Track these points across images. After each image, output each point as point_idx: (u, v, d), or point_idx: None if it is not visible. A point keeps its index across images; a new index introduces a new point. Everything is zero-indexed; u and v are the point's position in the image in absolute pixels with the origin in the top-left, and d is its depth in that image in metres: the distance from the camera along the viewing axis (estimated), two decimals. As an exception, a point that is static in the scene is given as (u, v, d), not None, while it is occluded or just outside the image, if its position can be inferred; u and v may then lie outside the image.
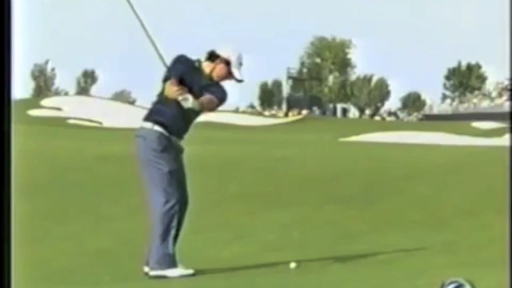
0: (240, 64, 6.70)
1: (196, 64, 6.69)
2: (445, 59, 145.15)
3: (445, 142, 28.75)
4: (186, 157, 6.71)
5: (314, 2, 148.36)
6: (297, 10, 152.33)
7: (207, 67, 6.66)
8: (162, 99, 6.63)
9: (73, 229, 9.45)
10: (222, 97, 6.64)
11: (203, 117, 6.83)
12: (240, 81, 6.72)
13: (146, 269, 6.52)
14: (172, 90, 6.40)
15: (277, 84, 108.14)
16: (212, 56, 6.67)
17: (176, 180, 6.49)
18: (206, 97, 6.49)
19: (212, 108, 6.58)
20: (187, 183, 6.67)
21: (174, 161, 6.51)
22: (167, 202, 6.42)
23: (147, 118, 6.62)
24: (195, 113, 6.63)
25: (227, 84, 6.75)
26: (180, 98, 6.40)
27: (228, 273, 6.72)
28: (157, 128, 6.51)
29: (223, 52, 6.67)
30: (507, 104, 73.65)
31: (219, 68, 6.65)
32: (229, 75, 6.68)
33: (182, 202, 6.54)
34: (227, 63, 6.65)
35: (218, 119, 43.35)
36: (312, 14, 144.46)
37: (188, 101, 6.40)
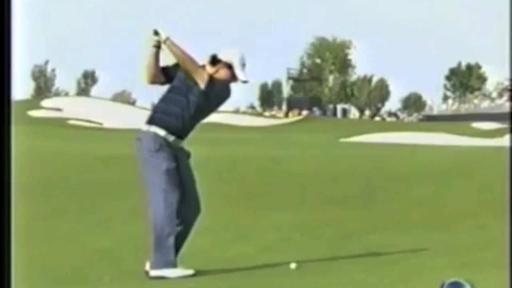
0: (243, 65, 6.68)
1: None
2: (445, 59, 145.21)
3: (446, 142, 28.76)
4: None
5: (314, 2, 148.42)
6: (297, 11, 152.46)
7: (209, 70, 6.63)
8: (165, 97, 6.63)
9: (73, 229, 9.45)
10: (220, 87, 6.62)
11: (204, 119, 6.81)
12: (245, 81, 6.70)
13: (147, 267, 6.51)
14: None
15: (277, 85, 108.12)
16: (214, 60, 6.64)
17: (175, 179, 6.47)
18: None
19: (193, 70, 6.46)
20: (196, 188, 6.65)
21: (172, 160, 6.48)
22: (165, 200, 6.41)
23: (147, 120, 6.63)
24: (202, 112, 6.61)
25: (228, 84, 6.73)
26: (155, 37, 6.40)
27: (229, 273, 6.72)
28: (153, 129, 6.52)
29: (224, 56, 6.64)
30: (508, 104, 73.68)
31: (223, 72, 6.62)
32: (233, 77, 6.66)
33: (187, 203, 6.51)
34: (230, 66, 6.64)
35: (219, 120, 43.34)
36: (312, 14, 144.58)
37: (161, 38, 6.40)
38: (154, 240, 6.45)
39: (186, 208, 6.51)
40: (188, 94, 6.54)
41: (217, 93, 6.61)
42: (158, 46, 6.50)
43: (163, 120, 6.53)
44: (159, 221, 6.42)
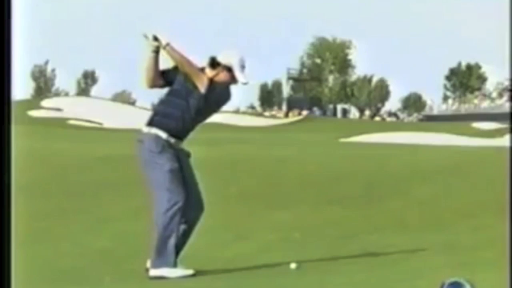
0: (242, 67, 6.67)
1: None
2: (445, 59, 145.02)
3: (446, 142, 28.75)
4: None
5: (314, 2, 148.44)
6: (297, 11, 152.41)
7: (209, 73, 6.63)
8: (165, 100, 6.63)
9: (73, 229, 9.45)
10: (221, 92, 6.62)
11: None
12: (245, 83, 6.70)
13: (148, 264, 6.51)
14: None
15: (277, 85, 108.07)
16: (214, 63, 6.63)
17: (178, 179, 6.47)
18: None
19: (192, 72, 6.48)
20: (199, 187, 6.65)
21: (175, 160, 6.50)
22: (169, 200, 6.42)
23: (147, 122, 6.63)
24: (202, 115, 6.61)
25: (228, 85, 6.72)
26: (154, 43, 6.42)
27: (228, 273, 6.72)
28: (154, 130, 6.52)
29: (223, 58, 6.62)
30: (508, 104, 73.74)
31: (223, 75, 6.61)
32: (233, 80, 6.66)
33: (190, 203, 6.51)
34: (229, 69, 6.63)
35: (219, 120, 43.33)
36: (312, 14, 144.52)
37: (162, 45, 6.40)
38: (155, 240, 6.46)
39: (189, 208, 6.52)
40: (188, 97, 6.54)
41: (217, 96, 6.61)
42: (157, 52, 6.50)
43: (163, 122, 6.53)
44: (161, 221, 6.42)
